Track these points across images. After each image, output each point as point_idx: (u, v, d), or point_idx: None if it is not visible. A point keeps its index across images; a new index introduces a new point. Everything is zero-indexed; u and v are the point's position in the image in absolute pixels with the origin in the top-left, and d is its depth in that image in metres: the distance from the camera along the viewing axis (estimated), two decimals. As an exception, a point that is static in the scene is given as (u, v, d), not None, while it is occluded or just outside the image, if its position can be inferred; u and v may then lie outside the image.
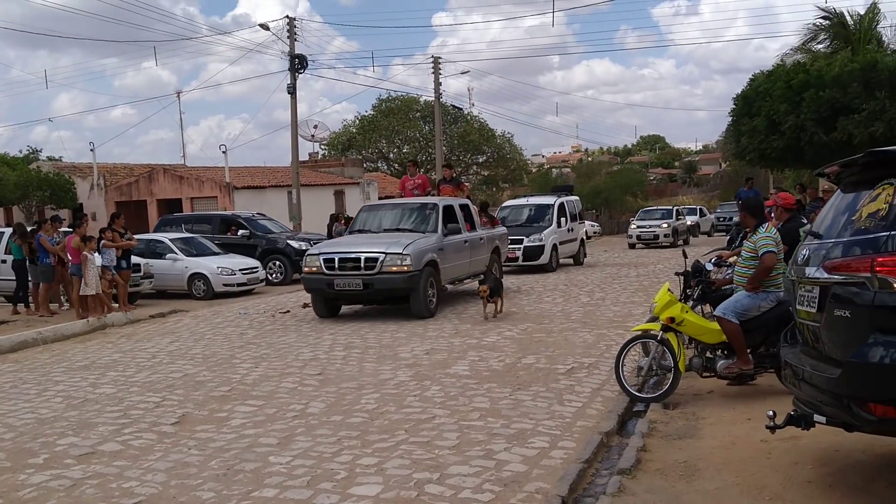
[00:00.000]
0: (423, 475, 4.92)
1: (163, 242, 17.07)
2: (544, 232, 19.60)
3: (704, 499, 4.46)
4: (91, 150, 32.96)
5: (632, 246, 29.83)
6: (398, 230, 12.77)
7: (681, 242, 29.84)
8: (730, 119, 27.89)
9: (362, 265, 11.52)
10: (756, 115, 25.02)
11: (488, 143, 50.50)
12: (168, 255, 16.59)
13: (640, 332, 7.10)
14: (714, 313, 6.60)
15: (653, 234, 29.74)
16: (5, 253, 15.63)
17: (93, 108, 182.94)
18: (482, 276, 12.57)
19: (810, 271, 4.16)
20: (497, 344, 9.51)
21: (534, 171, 71.67)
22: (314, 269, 11.90)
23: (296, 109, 28.14)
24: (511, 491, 4.64)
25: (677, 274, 7.71)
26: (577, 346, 9.22)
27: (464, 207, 13.96)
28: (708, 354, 6.69)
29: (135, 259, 14.74)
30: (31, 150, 48.69)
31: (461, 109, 47.90)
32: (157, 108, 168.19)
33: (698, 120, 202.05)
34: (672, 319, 6.58)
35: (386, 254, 11.48)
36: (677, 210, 32.82)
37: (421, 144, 49.66)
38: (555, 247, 19.78)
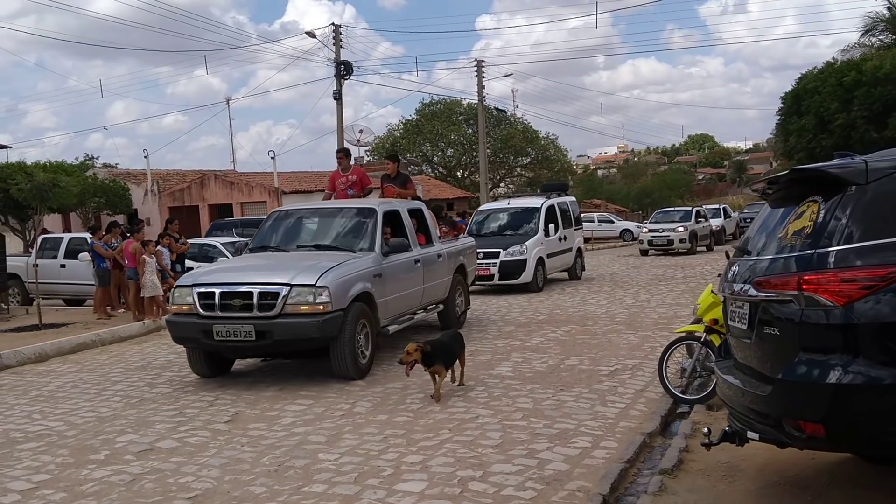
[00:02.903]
0: (466, 473, 5.03)
1: (215, 247, 17.45)
2: (527, 242, 15.87)
3: (746, 498, 4.49)
4: (145, 157, 33.99)
5: (644, 252, 26.33)
6: (318, 248, 9.24)
7: (703, 248, 27.24)
8: (778, 118, 27.47)
9: (255, 303, 7.72)
10: (805, 113, 24.60)
11: (532, 144, 50.53)
12: (220, 259, 16.98)
13: (683, 334, 7.11)
14: (758, 315, 6.58)
15: (666, 239, 26.11)
16: (64, 258, 16.32)
17: (146, 115, 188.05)
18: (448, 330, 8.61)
19: (739, 288, 4.12)
20: (540, 345, 9.58)
21: (579, 172, 71.42)
22: (185, 307, 8.08)
23: (342, 115, 28.65)
24: (553, 489, 4.72)
25: (720, 276, 7.68)
26: (620, 348, 9.24)
27: (415, 213, 10.49)
28: (752, 356, 6.67)
29: (188, 263, 15.14)
30: (86, 157, 50.34)
31: (505, 112, 48.16)
32: (208, 115, 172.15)
33: (748, 118, 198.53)
34: (716, 321, 6.55)
35: (291, 286, 7.72)
36: (697, 211, 29.08)
37: (465, 147, 49.87)
38: (541, 260, 16.06)
